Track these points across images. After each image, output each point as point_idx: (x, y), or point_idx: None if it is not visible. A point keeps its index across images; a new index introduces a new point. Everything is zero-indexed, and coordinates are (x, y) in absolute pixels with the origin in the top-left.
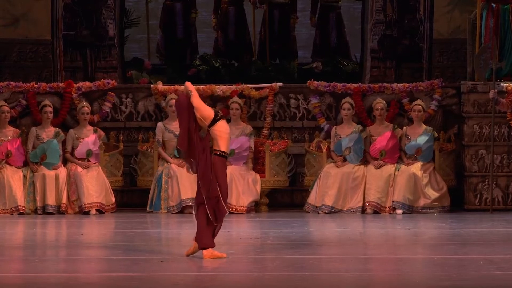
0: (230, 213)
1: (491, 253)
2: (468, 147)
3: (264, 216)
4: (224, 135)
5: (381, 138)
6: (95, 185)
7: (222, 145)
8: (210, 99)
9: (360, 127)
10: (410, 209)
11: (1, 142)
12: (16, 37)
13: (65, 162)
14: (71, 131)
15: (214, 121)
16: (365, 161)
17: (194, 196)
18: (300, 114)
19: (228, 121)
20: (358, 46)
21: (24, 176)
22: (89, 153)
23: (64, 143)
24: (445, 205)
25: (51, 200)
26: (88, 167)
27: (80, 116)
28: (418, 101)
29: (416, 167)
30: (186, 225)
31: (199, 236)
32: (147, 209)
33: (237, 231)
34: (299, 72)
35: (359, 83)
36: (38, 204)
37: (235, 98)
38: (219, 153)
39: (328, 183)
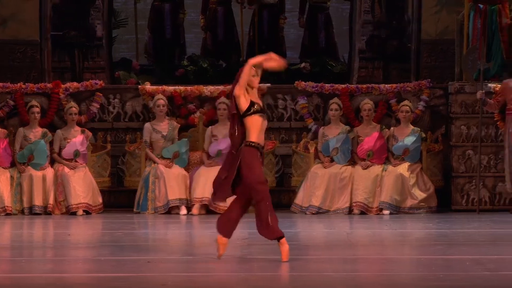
0: (217, 213)
1: (478, 253)
2: (456, 147)
3: (251, 217)
4: (254, 128)
5: (368, 138)
6: (82, 185)
7: (252, 136)
8: (198, 100)
9: (348, 127)
10: (397, 210)
11: None
12: (4, 38)
13: (52, 162)
14: (59, 131)
15: (247, 113)
16: (352, 162)
17: (181, 197)
18: (288, 115)
19: (216, 121)
20: (346, 47)
21: (11, 177)
22: (76, 153)
23: (51, 143)
24: (432, 205)
25: (38, 201)
26: (75, 168)
27: (67, 117)
28: (406, 102)
29: (403, 168)
30: (173, 226)
31: (265, 230)
32: (134, 210)
33: None
34: (287, 73)
35: (347, 84)
36: (25, 204)
37: (223, 99)
38: (249, 143)
39: (316, 184)
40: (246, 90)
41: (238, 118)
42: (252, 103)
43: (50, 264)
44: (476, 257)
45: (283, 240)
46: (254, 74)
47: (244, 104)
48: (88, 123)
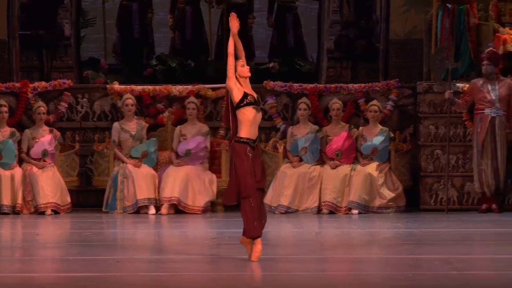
0: (186, 213)
1: (447, 253)
2: (424, 147)
3: (220, 216)
4: (245, 121)
5: (337, 138)
6: (51, 185)
7: (242, 131)
8: (167, 99)
9: (317, 127)
10: (365, 209)
11: None
12: None
13: (20, 162)
14: (27, 131)
15: (240, 105)
16: (321, 161)
17: (150, 196)
18: None
19: (185, 121)
20: (315, 47)
21: None
22: (44, 153)
23: (19, 143)
24: (401, 205)
25: (6, 200)
26: (43, 167)
27: (36, 116)
28: (374, 102)
29: (372, 167)
30: (142, 225)
31: (246, 228)
32: (103, 209)
33: (193, 231)
34: (256, 72)
35: (316, 84)
36: None
37: (192, 98)
38: (237, 139)
39: (284, 183)
40: (239, 81)
41: (232, 111)
42: (245, 95)
43: (18, 264)
44: (444, 256)
45: (259, 240)
46: (243, 64)
47: (237, 96)
48: (56, 122)
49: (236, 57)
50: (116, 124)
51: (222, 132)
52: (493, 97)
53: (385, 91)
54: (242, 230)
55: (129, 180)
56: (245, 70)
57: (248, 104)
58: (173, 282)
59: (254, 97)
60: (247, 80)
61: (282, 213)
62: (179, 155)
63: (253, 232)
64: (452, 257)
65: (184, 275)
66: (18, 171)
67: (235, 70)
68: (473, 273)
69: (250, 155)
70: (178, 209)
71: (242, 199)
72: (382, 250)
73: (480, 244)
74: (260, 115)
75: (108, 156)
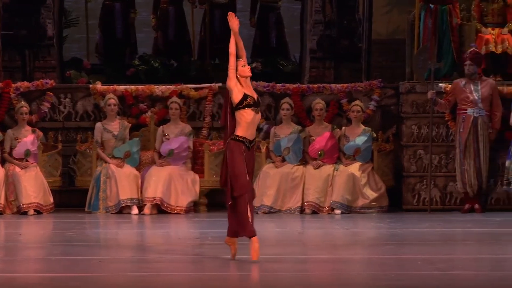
0: (169, 213)
1: (429, 253)
2: (407, 147)
3: (203, 216)
4: (243, 122)
5: (320, 138)
6: (33, 185)
7: (240, 130)
8: (149, 99)
9: (299, 127)
10: (348, 209)
11: None
12: None
13: (3, 162)
14: (9, 131)
15: (239, 106)
16: (304, 161)
17: (133, 196)
18: None
19: (168, 121)
20: (298, 47)
21: None
22: (27, 153)
23: (2, 143)
24: (384, 205)
25: None
26: (26, 167)
27: (18, 116)
28: (357, 102)
29: (354, 168)
30: (124, 226)
31: (242, 227)
32: (86, 210)
33: (176, 232)
34: None
35: (298, 84)
36: None
37: (174, 98)
38: (234, 137)
39: (267, 183)
40: (239, 82)
41: (230, 111)
42: (245, 96)
43: (1, 264)
44: (427, 256)
45: (256, 239)
46: (244, 64)
47: (236, 97)
48: (39, 122)
49: (237, 57)
50: (98, 124)
51: (205, 132)
52: (476, 97)
53: (367, 91)
54: (225, 230)
55: (112, 180)
56: (246, 70)
57: (247, 106)
58: (156, 282)
59: (254, 98)
60: (248, 80)
61: (265, 213)
62: (162, 155)
63: (250, 230)
64: (434, 257)
65: (167, 275)
66: (0, 171)
67: (236, 70)
68: (456, 273)
69: (245, 154)
70: (161, 209)
71: (237, 197)
72: (365, 250)
73: (462, 244)
74: (259, 116)
75: (90, 156)
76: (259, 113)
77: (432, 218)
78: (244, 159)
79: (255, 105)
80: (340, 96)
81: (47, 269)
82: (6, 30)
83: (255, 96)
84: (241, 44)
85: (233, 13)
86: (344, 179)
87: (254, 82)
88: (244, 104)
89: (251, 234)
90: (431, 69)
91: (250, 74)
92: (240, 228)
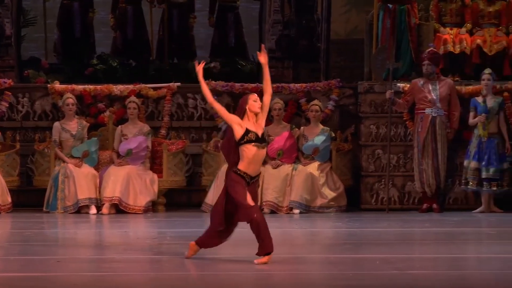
0: (127, 213)
1: (388, 252)
2: (365, 147)
3: (161, 216)
4: (245, 158)
5: (278, 138)
6: None
7: (242, 164)
8: (108, 99)
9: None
10: (307, 209)
11: None
12: None
13: None
14: None
15: (240, 142)
16: None
17: (91, 196)
18: (198, 114)
19: (126, 120)
20: (256, 46)
21: None
22: None
23: None
24: (342, 204)
25: None
26: None
27: None
28: (316, 101)
29: (313, 167)
30: (82, 225)
31: (267, 242)
32: (44, 209)
33: (134, 231)
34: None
35: (257, 83)
36: None
37: (133, 98)
38: (235, 170)
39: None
40: (247, 116)
41: (234, 144)
42: (246, 132)
43: None
44: (385, 256)
45: (270, 256)
46: (255, 99)
47: (238, 133)
48: None
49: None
50: (56, 124)
51: (163, 131)
52: (434, 97)
53: (326, 91)
54: (184, 230)
55: (70, 179)
56: (256, 106)
57: (248, 142)
58: (115, 281)
59: (257, 134)
60: (260, 115)
61: None
62: (120, 155)
63: (272, 246)
64: (393, 256)
65: (126, 274)
66: None
67: (247, 103)
68: (414, 273)
69: (247, 186)
70: (119, 209)
71: (250, 221)
72: (323, 250)
73: (420, 244)
74: (264, 151)
75: (49, 155)
76: (265, 149)
77: (390, 218)
78: (246, 189)
79: (257, 140)
80: (298, 96)
81: (5, 269)
82: None
83: (259, 132)
84: (267, 76)
85: (263, 47)
86: (303, 178)
87: (213, 82)
88: (245, 140)
89: (271, 250)
90: (389, 69)
91: (258, 110)
92: (266, 242)
